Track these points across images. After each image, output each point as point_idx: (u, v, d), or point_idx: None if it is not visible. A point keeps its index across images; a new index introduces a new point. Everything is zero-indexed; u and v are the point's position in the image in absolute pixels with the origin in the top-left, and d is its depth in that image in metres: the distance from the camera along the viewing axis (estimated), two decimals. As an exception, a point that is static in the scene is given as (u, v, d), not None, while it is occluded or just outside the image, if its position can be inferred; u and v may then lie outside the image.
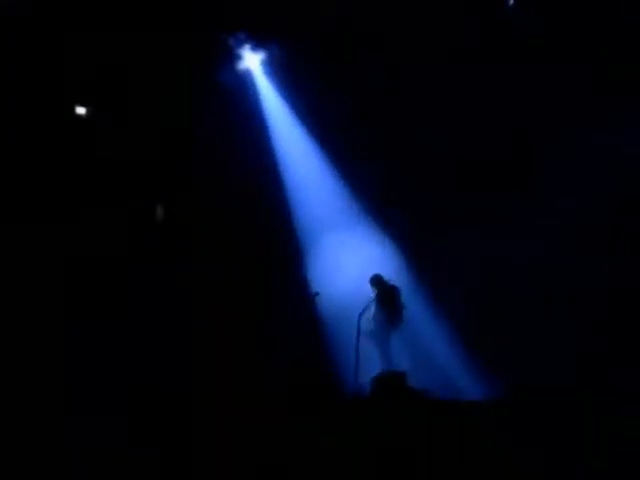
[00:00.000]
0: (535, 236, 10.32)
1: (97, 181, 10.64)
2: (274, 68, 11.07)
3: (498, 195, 10.58)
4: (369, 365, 9.60)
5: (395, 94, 10.76)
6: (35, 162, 10.12)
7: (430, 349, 10.66)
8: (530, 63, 10.20)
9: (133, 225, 10.82)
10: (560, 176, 10.32)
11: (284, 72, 11.04)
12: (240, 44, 10.80)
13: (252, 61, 11.16)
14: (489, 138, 10.66)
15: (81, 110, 10.89)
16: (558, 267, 10.21)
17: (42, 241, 9.78)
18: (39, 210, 9.95)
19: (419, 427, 7.00)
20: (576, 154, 10.21)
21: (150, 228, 11.10)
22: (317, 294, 10.44)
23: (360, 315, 9.97)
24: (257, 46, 10.88)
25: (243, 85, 11.15)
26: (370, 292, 10.54)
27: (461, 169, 10.80)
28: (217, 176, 11.00)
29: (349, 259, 11.15)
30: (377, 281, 10.72)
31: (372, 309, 10.49)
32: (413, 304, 10.72)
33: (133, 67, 10.45)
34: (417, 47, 10.34)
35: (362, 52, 10.48)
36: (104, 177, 10.69)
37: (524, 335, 9.90)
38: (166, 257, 10.69)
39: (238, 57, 10.98)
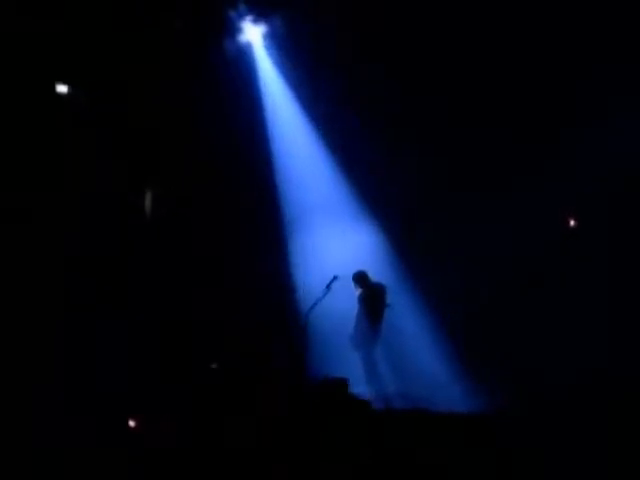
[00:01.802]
0: (530, 235, 10.10)
1: (82, 167, 10.28)
2: (276, 42, 10.76)
3: (494, 192, 10.33)
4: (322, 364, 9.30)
5: (396, 78, 10.50)
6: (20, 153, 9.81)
7: (416, 354, 10.18)
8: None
9: (122, 213, 10.54)
10: (557, 174, 10.10)
11: (285, 46, 10.73)
12: (241, 16, 10.51)
13: (253, 34, 10.83)
14: (486, 132, 10.41)
15: (62, 88, 10.21)
16: (554, 267, 10.08)
17: (30, 237, 9.60)
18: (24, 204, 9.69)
19: (352, 438, 6.71)
20: (574, 152, 9.99)
21: (139, 216, 10.81)
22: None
23: (308, 311, 9.40)
24: (258, 18, 10.58)
25: (242, 60, 10.84)
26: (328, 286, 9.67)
27: (458, 163, 10.52)
28: (207, 156, 10.73)
29: (335, 250, 10.66)
30: (361, 279, 10.06)
31: (356, 309, 9.92)
32: (400, 303, 10.19)
33: (127, 39, 10.12)
34: (420, 29, 10.15)
35: (367, 31, 10.20)
36: (90, 161, 10.32)
37: (515, 340, 9.70)
38: (155, 247, 10.47)
39: (238, 30, 10.67)
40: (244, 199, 10.83)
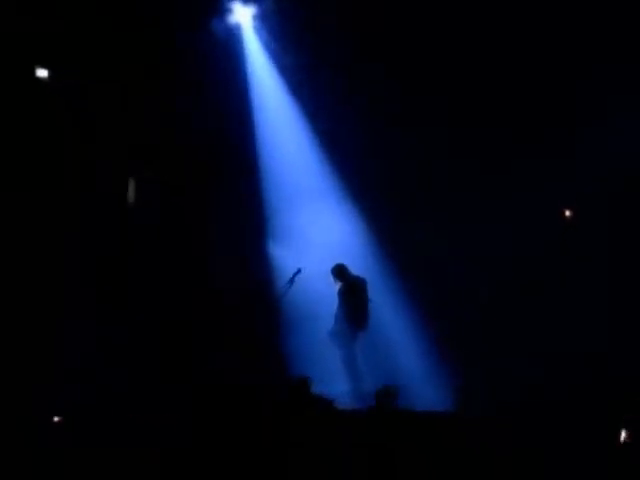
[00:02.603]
0: (530, 235, 10.04)
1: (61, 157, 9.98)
2: (266, 24, 10.37)
3: (494, 192, 10.22)
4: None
5: (394, 74, 10.31)
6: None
7: (398, 351, 9.94)
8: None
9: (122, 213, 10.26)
10: (557, 174, 10.07)
11: (276, 28, 10.36)
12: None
13: (243, 15, 10.40)
14: (486, 132, 10.32)
15: (42, 73, 9.69)
16: (554, 267, 10.07)
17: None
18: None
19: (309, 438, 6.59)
20: (574, 152, 9.97)
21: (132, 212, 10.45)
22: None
23: (286, 285, 9.27)
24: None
25: (230, 42, 10.40)
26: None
27: (457, 163, 10.38)
28: (190, 143, 10.37)
29: (316, 239, 10.27)
30: (340, 272, 9.73)
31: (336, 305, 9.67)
32: (382, 298, 9.94)
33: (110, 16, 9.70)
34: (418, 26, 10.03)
35: (362, 15, 9.95)
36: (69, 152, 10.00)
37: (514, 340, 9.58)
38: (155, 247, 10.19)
39: (227, 10, 10.25)
40: (231, 188, 10.47)
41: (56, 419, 7.16)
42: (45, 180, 9.63)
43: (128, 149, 10.24)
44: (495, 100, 10.22)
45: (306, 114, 10.66)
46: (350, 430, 6.83)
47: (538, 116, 10.17)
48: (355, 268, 9.91)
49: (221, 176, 10.53)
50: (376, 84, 10.30)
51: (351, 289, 9.72)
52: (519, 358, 9.15)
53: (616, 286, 9.69)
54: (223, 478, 6.73)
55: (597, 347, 9.16)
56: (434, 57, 10.21)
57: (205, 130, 10.32)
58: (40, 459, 6.56)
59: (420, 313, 10.12)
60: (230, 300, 10.15)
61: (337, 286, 9.77)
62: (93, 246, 9.75)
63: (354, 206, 10.65)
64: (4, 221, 9.30)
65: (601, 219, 9.94)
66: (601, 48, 9.79)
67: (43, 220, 9.48)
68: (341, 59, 10.20)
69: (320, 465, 6.45)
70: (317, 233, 10.30)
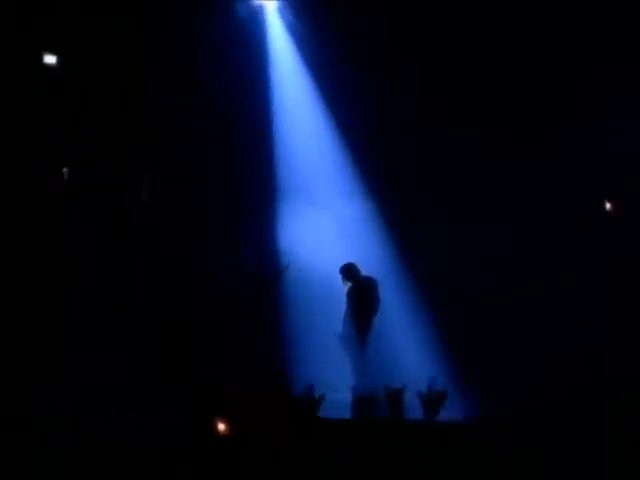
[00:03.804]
0: (530, 235, 10.09)
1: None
2: (290, 6, 10.22)
3: (494, 192, 10.23)
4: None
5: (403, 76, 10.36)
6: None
7: (399, 352, 9.85)
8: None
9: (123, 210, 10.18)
10: (557, 174, 10.10)
11: (301, 10, 10.23)
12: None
13: None
14: (486, 132, 10.34)
15: (51, 59, 9.57)
16: (554, 267, 10.06)
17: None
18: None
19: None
20: (574, 152, 9.99)
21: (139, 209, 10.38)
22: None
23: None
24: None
25: (253, 23, 10.25)
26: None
27: (458, 163, 10.37)
28: (205, 133, 10.27)
29: (327, 234, 10.25)
30: (349, 271, 9.55)
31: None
32: (393, 299, 9.90)
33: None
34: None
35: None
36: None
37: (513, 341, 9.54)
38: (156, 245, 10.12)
39: None
40: (236, 185, 10.39)
41: None
42: (44, 179, 9.65)
43: (135, 143, 10.17)
44: (495, 100, 10.26)
45: (327, 103, 10.48)
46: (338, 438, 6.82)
47: (538, 116, 10.20)
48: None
49: (227, 173, 10.43)
50: (376, 84, 10.33)
51: (360, 289, 9.53)
52: (519, 358, 9.14)
53: (616, 286, 9.69)
54: (223, 478, 6.72)
55: (597, 347, 9.19)
56: (435, 57, 10.26)
57: (221, 117, 10.17)
58: (40, 459, 6.52)
59: (419, 313, 10.11)
60: (231, 300, 10.11)
61: (346, 286, 9.59)
62: (93, 245, 9.71)
63: (358, 205, 10.64)
64: (4, 220, 9.28)
65: (601, 219, 9.95)
66: (601, 48, 9.82)
67: (43, 219, 9.46)
68: (371, 46, 10.16)
69: (318, 467, 6.44)
70: (324, 232, 10.28)
